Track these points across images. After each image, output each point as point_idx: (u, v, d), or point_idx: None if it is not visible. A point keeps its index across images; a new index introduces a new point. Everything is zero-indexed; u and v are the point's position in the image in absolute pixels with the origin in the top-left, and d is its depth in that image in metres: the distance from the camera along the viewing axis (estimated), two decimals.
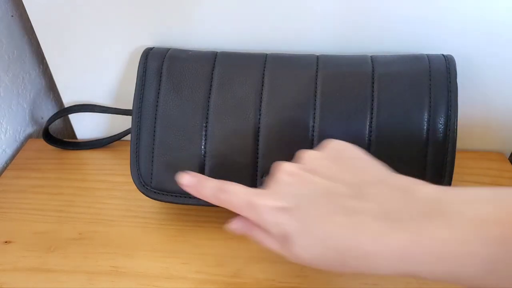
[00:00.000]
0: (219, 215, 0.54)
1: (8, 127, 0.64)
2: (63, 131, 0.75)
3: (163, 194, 0.51)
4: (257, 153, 0.50)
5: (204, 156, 0.50)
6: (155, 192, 0.51)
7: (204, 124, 0.50)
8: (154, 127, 0.51)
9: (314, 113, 0.49)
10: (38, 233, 0.53)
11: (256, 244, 0.50)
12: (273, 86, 0.50)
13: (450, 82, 0.49)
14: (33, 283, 0.47)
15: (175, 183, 0.50)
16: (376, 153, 0.47)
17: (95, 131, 0.69)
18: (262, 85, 0.50)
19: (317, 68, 0.50)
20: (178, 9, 0.56)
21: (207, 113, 0.50)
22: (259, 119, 0.50)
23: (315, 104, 0.49)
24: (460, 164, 0.59)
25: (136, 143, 0.52)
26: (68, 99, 0.66)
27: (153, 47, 0.55)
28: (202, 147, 0.50)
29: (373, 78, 0.49)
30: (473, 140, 0.64)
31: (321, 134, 0.49)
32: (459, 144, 0.48)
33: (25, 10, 0.58)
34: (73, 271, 0.48)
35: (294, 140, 0.49)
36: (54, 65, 0.63)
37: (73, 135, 0.70)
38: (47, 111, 0.73)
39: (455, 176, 0.48)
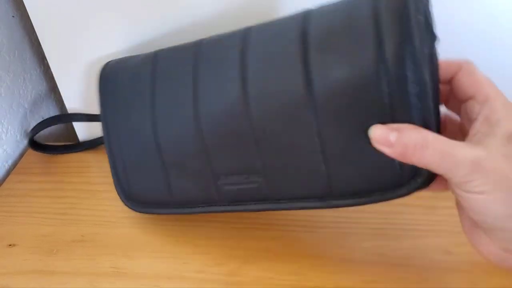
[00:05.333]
0: (218, 214, 0.54)
1: (9, 127, 0.64)
2: (64, 133, 0.76)
3: (147, 207, 0.52)
4: (206, 152, 0.45)
5: (165, 167, 0.48)
6: (140, 205, 0.52)
7: (154, 133, 0.48)
8: (120, 146, 0.51)
9: (248, 101, 0.41)
10: (41, 236, 0.53)
11: (254, 243, 0.50)
12: (205, 76, 0.45)
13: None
14: (35, 286, 0.48)
15: (154, 196, 0.50)
16: (323, 113, 0.38)
17: (96, 131, 0.69)
18: (196, 81, 0.45)
19: (243, 47, 0.43)
20: (178, 12, 0.56)
21: (155, 121, 0.48)
22: (198, 116, 0.44)
23: (245, 89, 0.41)
24: None
25: (112, 164, 0.52)
26: (69, 99, 0.66)
27: (110, 61, 0.54)
28: (159, 157, 0.48)
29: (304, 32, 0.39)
30: None
31: (259, 123, 0.41)
32: None
33: (26, 10, 0.58)
34: (75, 272, 0.49)
35: (235, 132, 0.43)
36: (55, 65, 0.63)
37: (75, 135, 0.71)
38: (48, 111, 0.73)
39: None
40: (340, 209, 0.52)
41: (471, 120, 0.36)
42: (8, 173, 0.65)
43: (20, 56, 0.65)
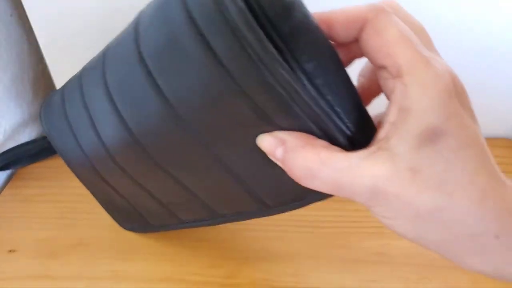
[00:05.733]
0: None
1: (6, 127, 0.64)
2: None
3: (137, 229, 0.52)
4: (139, 185, 0.43)
5: (129, 203, 0.47)
6: (132, 227, 0.53)
7: (98, 175, 0.45)
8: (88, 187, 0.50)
9: (135, 138, 0.37)
10: (40, 241, 0.53)
11: (251, 244, 0.50)
12: (96, 115, 0.40)
13: None
14: None
15: (135, 221, 0.51)
16: (206, 136, 0.33)
17: None
18: (94, 125, 0.41)
19: (103, 83, 0.39)
20: None
21: (89, 160, 0.43)
22: (112, 155, 0.41)
23: (126, 126, 0.37)
24: None
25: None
26: None
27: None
28: (117, 195, 0.47)
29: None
30: None
31: (155, 155, 0.38)
32: None
33: (24, 9, 0.58)
34: (74, 276, 0.49)
35: (142, 165, 0.40)
36: (53, 65, 0.63)
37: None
38: None
39: None
40: (340, 209, 0.53)
41: (388, 97, 0.28)
42: (7, 177, 0.65)
43: (18, 55, 0.65)
